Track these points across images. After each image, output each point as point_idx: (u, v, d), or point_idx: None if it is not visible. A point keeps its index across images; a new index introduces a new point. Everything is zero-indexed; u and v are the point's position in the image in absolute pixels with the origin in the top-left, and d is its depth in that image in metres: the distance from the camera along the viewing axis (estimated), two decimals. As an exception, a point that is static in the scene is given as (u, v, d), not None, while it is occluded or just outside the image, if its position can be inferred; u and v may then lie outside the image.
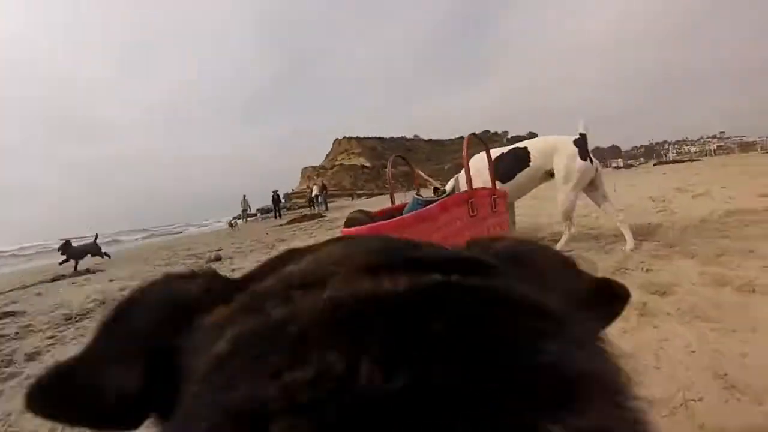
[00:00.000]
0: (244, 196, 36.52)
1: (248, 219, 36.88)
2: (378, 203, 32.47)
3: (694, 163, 30.34)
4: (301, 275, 0.37)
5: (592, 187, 5.23)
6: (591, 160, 5.01)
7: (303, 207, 42.62)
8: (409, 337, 0.27)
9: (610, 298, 0.51)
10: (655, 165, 40.11)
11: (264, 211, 43.74)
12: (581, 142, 5.06)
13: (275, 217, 32.75)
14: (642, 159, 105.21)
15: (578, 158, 4.99)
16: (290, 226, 18.87)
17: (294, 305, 0.32)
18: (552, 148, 5.21)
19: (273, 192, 35.36)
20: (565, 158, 5.07)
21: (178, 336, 0.38)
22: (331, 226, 14.77)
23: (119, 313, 0.43)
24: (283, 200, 47.22)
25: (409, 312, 0.30)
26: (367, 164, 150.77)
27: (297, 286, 0.35)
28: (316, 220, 19.68)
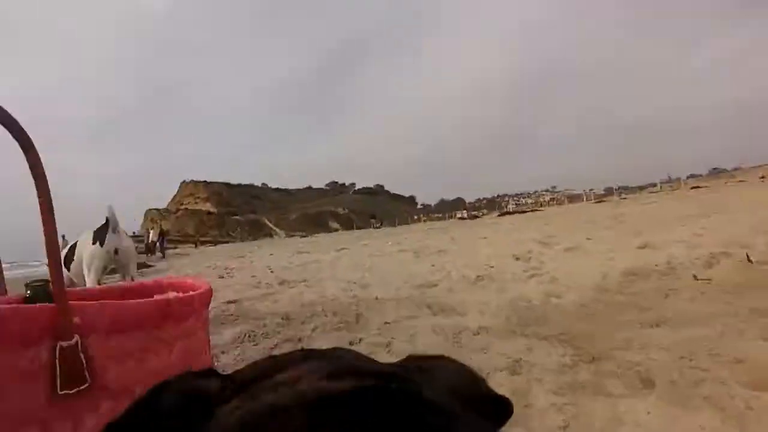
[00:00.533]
0: (63, 235, 32.23)
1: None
2: (222, 252, 30.34)
3: (536, 213, 30.59)
4: (287, 378, 0.52)
5: (119, 265, 5.88)
6: (102, 243, 5.53)
7: (142, 253, 39.38)
8: (353, 417, 0.44)
9: (498, 410, 0.60)
10: (499, 215, 40.54)
11: None
12: (100, 228, 5.63)
13: None
14: (485, 210, 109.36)
15: (89, 245, 5.56)
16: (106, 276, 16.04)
17: (279, 395, 0.48)
18: (82, 242, 5.77)
19: None
20: (84, 248, 5.65)
21: (198, 423, 0.49)
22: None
23: (150, 397, 0.54)
24: None
25: (353, 402, 0.46)
26: (213, 210, 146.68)
27: (283, 384, 0.51)
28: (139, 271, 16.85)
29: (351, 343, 3.82)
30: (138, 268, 16.47)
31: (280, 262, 13.56)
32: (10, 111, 1.44)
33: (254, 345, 4.28)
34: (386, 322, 4.45)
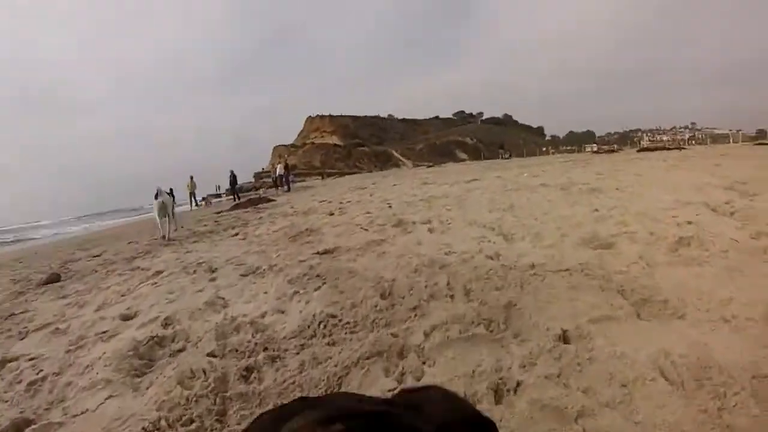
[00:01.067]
0: (191, 177, 32.45)
1: (197, 205, 32.59)
2: (346, 183, 29.75)
3: (682, 151, 27.26)
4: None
5: (166, 210, 10.80)
6: (156, 198, 10.96)
7: (270, 187, 40.47)
8: None
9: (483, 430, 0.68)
10: (638, 151, 36.89)
11: (214, 196, 40.94)
12: (156, 193, 11.05)
13: (234, 200, 28.39)
14: (616, 145, 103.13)
15: (154, 199, 11.05)
16: (226, 214, 16.29)
17: None
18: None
19: (230, 172, 32.51)
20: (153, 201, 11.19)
21: None
22: (260, 220, 12.26)
23: None
24: (252, 180, 45.45)
25: None
26: (340, 143, 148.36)
27: None
28: (253, 208, 17.05)
29: (497, 393, 2.09)
30: (259, 203, 19.07)
31: (401, 196, 12.03)
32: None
33: (328, 344, 2.80)
34: (563, 333, 2.60)
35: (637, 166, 13.95)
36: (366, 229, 6.90)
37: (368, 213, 8.94)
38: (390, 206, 9.66)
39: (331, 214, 9.91)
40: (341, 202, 12.72)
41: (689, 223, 4.93)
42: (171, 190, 18.01)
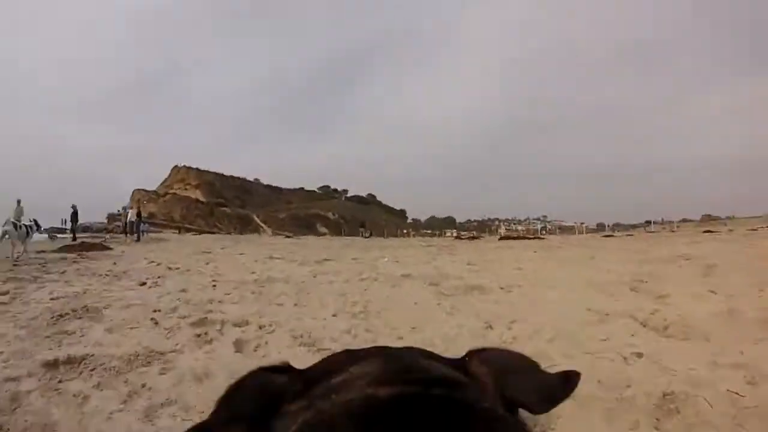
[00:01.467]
0: (18, 201, 27.32)
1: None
2: (198, 243, 27.40)
3: (541, 241, 28.23)
4: (341, 383, 0.55)
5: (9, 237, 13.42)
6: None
7: (121, 233, 37.79)
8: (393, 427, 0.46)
9: (565, 384, 0.63)
10: (500, 239, 37.36)
11: (58, 230, 37.89)
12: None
13: (73, 239, 25.89)
14: (475, 232, 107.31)
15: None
16: (41, 257, 14.36)
17: (331, 403, 0.51)
18: None
19: (72, 207, 29.05)
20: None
21: (270, 416, 0.55)
22: (61, 275, 9.36)
23: (231, 393, 0.60)
24: (105, 220, 42.70)
25: (393, 412, 0.48)
26: (203, 199, 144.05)
27: (335, 390, 0.53)
28: (77, 254, 15.76)
29: None
30: (91, 249, 17.50)
31: (238, 271, 10.04)
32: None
33: None
34: None
35: (508, 255, 13.15)
36: (157, 322, 4.80)
37: (183, 291, 6.90)
38: (214, 286, 7.59)
39: (142, 284, 7.84)
40: (169, 267, 10.78)
41: (638, 355, 3.28)
42: (34, 221, 16.67)
